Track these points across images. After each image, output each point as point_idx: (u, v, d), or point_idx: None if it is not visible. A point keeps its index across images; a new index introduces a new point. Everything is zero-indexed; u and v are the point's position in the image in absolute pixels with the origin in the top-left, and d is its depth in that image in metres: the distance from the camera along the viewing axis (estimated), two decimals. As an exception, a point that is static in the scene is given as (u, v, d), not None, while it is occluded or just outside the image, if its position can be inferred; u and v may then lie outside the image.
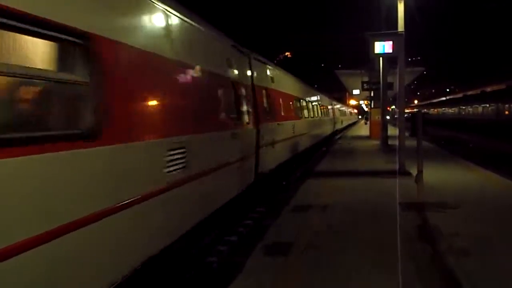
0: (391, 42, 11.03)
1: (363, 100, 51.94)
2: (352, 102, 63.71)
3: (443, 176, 10.58)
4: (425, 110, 58.68)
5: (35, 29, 2.63)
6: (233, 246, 6.56)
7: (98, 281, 3.20)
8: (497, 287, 4.13)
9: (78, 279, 2.99)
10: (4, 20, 2.37)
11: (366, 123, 54.19)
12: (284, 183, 12.01)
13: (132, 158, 3.66)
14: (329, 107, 27.59)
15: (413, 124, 8.24)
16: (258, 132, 8.39)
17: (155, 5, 4.43)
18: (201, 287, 4.93)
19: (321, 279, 4.39)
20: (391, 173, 10.72)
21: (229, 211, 6.87)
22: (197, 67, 5.45)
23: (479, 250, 5.14)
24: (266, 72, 10.51)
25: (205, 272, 5.69)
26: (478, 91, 40.37)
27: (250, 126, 7.99)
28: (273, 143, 9.62)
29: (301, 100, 15.04)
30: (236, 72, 7.52)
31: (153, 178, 4.01)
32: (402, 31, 11.31)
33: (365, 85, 22.90)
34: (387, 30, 13.31)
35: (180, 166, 4.51)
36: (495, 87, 34.42)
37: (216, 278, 4.80)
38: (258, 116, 8.55)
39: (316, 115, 19.41)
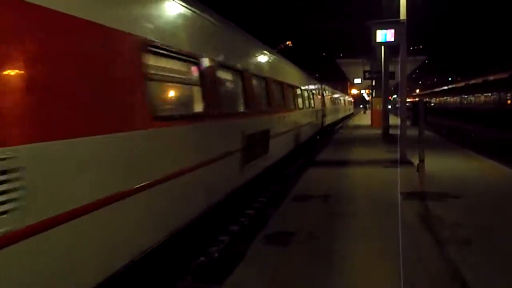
0: (393, 31, 10.92)
1: (365, 89, 51.77)
2: (354, 91, 62.64)
3: (444, 165, 10.56)
4: (427, 99, 58.45)
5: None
6: (234, 236, 6.55)
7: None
8: (499, 277, 4.11)
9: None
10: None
11: (364, 112, 53.94)
12: (285, 172, 11.99)
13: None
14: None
15: (415, 114, 8.19)
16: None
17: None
18: (202, 277, 4.92)
19: (322, 269, 4.38)
20: (392, 163, 10.69)
21: (230, 202, 6.85)
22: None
23: (481, 239, 5.12)
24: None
25: (206, 262, 5.69)
26: (480, 80, 40.15)
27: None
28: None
29: None
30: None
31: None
32: (404, 19, 11.18)
33: (366, 74, 22.78)
34: (388, 19, 13.18)
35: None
36: (498, 76, 34.22)
37: (217, 267, 4.80)
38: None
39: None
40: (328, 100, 26.44)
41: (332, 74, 50.79)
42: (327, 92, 25.90)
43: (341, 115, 39.25)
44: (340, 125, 33.74)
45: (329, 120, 25.71)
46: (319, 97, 20.41)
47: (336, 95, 34.33)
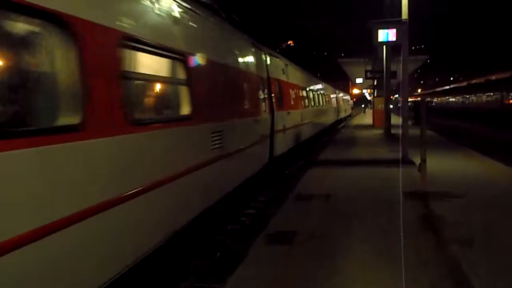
0: (394, 30, 10.91)
1: (366, 88, 51.74)
2: (355, 91, 62.45)
3: (446, 165, 10.54)
4: (429, 98, 58.37)
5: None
6: (236, 236, 6.55)
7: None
8: (501, 276, 4.10)
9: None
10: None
11: (364, 112, 53.91)
12: (286, 172, 11.99)
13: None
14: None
15: (417, 113, 8.19)
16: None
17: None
18: (204, 277, 4.92)
19: (323, 269, 4.38)
20: (394, 162, 10.67)
21: (232, 200, 6.85)
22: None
23: (483, 238, 5.11)
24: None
25: (208, 262, 5.70)
26: (482, 79, 40.09)
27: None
28: None
29: None
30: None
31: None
32: (406, 19, 11.16)
33: (368, 73, 22.74)
34: (390, 18, 13.17)
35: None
36: (500, 76, 34.16)
37: (219, 267, 4.79)
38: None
39: None
40: (299, 97, 14.09)
41: (334, 73, 50.76)
42: (294, 79, 13.64)
43: (330, 121, 25.77)
44: (342, 125, 33.44)
45: (292, 141, 12.36)
46: (263, 91, 9.18)
47: (319, 89, 20.78)
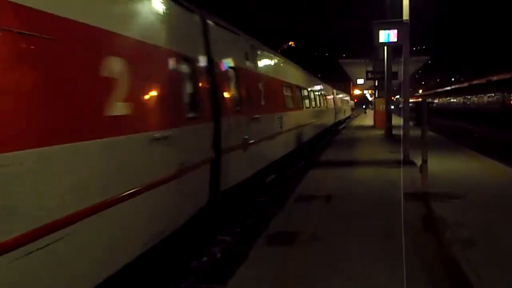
0: (395, 31, 10.92)
1: (367, 89, 51.76)
2: (357, 91, 62.39)
3: (447, 165, 10.53)
4: (430, 99, 58.35)
5: None
6: (237, 237, 6.56)
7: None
8: (502, 277, 4.10)
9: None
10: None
11: (365, 113, 54.01)
12: (287, 173, 12.00)
13: None
14: None
15: (418, 114, 8.18)
16: None
17: None
18: (204, 277, 4.93)
19: (324, 269, 4.38)
20: (395, 163, 10.68)
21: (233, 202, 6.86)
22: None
23: (484, 239, 5.11)
24: None
25: (209, 262, 5.71)
26: (483, 80, 40.05)
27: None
28: None
29: None
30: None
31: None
32: (407, 20, 11.16)
33: (369, 74, 22.77)
34: (391, 19, 13.19)
35: None
36: (501, 77, 34.13)
37: (220, 267, 4.80)
38: None
39: None
40: (278, 96, 10.62)
41: (335, 74, 50.80)
42: (269, 70, 9.92)
43: (326, 124, 22.59)
44: (343, 126, 33.43)
45: (263, 158, 9.10)
46: (192, 83, 5.42)
47: (311, 87, 17.33)
